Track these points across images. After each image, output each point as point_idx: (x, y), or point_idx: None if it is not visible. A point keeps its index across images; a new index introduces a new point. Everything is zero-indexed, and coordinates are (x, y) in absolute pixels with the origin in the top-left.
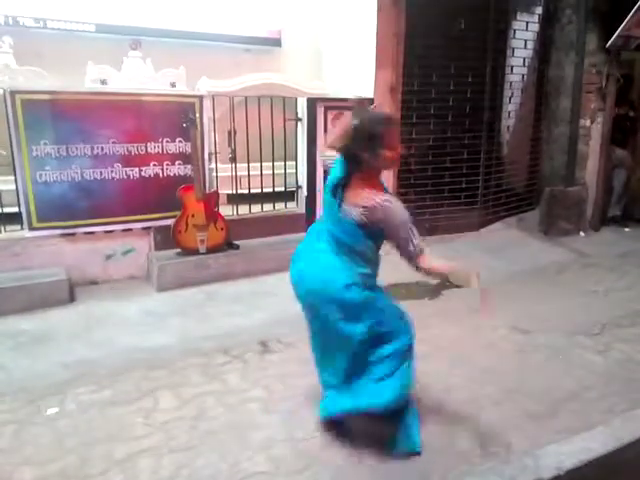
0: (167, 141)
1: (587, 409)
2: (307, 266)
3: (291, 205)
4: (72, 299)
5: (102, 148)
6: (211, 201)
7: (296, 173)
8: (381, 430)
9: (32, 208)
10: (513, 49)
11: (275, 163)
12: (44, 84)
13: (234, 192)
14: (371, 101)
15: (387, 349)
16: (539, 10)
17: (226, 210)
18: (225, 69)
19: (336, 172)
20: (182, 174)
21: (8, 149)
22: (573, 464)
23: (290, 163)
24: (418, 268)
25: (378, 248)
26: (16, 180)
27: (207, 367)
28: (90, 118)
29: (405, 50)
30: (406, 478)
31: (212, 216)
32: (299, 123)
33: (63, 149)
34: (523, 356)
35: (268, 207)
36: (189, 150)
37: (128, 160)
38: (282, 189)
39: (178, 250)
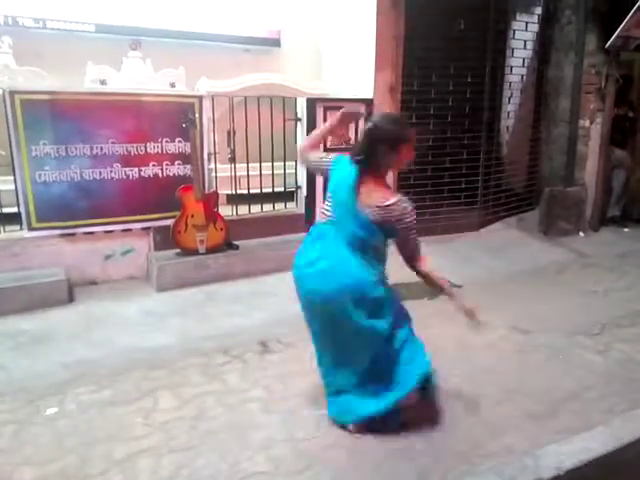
0: (166, 141)
1: (587, 409)
2: (333, 266)
3: (290, 205)
4: (71, 299)
5: (101, 148)
6: (210, 201)
7: (295, 173)
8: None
9: (31, 208)
10: (512, 49)
11: (274, 163)
12: (43, 84)
13: (233, 192)
14: (367, 102)
15: (402, 333)
16: (538, 10)
17: (225, 210)
18: (224, 69)
19: (346, 171)
20: (181, 174)
21: (7, 149)
22: (573, 464)
23: (289, 163)
24: (417, 269)
25: (387, 246)
26: (15, 180)
27: (207, 367)
28: (89, 118)
29: (404, 51)
30: (406, 478)
31: (211, 216)
32: (299, 123)
33: (62, 149)
34: (523, 356)
35: (267, 207)
36: (188, 150)
37: (127, 160)
38: (281, 189)
39: (177, 250)
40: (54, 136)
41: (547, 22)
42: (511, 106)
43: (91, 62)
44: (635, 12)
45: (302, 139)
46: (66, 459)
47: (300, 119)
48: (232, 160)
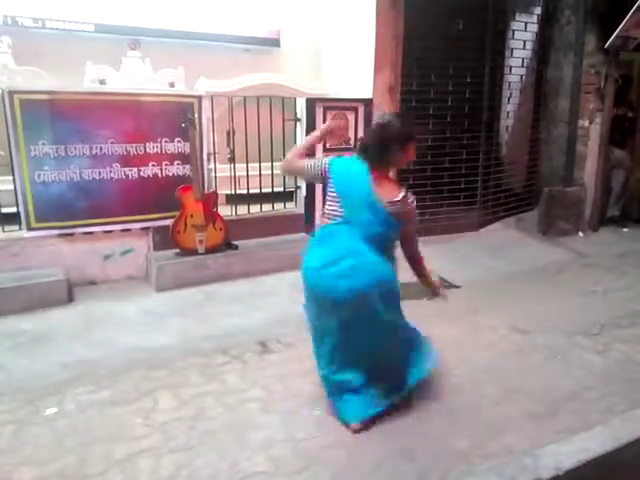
0: (166, 141)
1: (586, 409)
2: (360, 263)
3: (290, 205)
4: (71, 299)
5: (101, 148)
6: (210, 201)
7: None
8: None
9: (30, 208)
10: (512, 50)
11: (274, 163)
12: (43, 84)
13: (233, 192)
14: (367, 102)
15: (404, 321)
16: (538, 11)
17: (225, 210)
18: (224, 69)
19: (356, 169)
20: (181, 174)
21: (6, 149)
22: (572, 464)
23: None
24: (417, 264)
25: (395, 243)
26: (14, 180)
27: (206, 367)
28: (89, 118)
29: (404, 51)
30: (406, 478)
31: (211, 216)
32: (298, 123)
33: (62, 149)
34: (522, 356)
35: (267, 207)
36: (188, 150)
37: (127, 160)
38: (281, 189)
39: (177, 250)
40: (53, 136)
41: (546, 22)
42: (510, 106)
43: (90, 62)
44: (634, 12)
45: (302, 139)
46: (65, 459)
47: (299, 119)
48: (231, 160)
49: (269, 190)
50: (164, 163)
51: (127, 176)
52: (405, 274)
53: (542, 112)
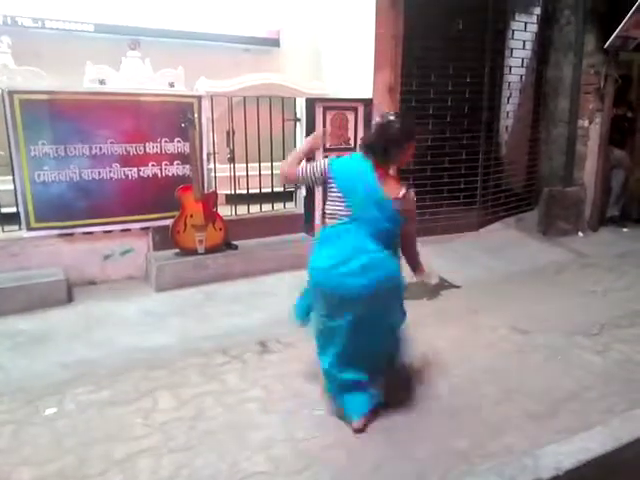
0: (165, 141)
1: (586, 409)
2: (372, 260)
3: (290, 205)
4: (70, 299)
5: (100, 148)
6: (209, 201)
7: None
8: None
9: (30, 208)
10: (511, 50)
11: (274, 163)
12: (42, 84)
13: (233, 192)
14: (366, 102)
15: (403, 318)
16: (537, 11)
17: (225, 210)
18: (224, 69)
19: (359, 168)
20: (181, 174)
21: (6, 149)
22: (572, 464)
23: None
24: (414, 260)
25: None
26: (14, 180)
27: (206, 367)
28: (88, 118)
29: (404, 51)
30: (406, 478)
31: (211, 216)
32: (298, 123)
33: (61, 149)
34: (522, 356)
35: (266, 207)
36: (187, 150)
37: (126, 160)
38: (281, 189)
39: (177, 250)
40: (53, 136)
41: (546, 22)
42: (510, 106)
43: (90, 62)
44: (634, 12)
45: (301, 139)
46: (65, 459)
47: (299, 119)
48: (231, 160)
49: (269, 190)
50: (164, 163)
51: (127, 176)
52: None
53: (542, 112)
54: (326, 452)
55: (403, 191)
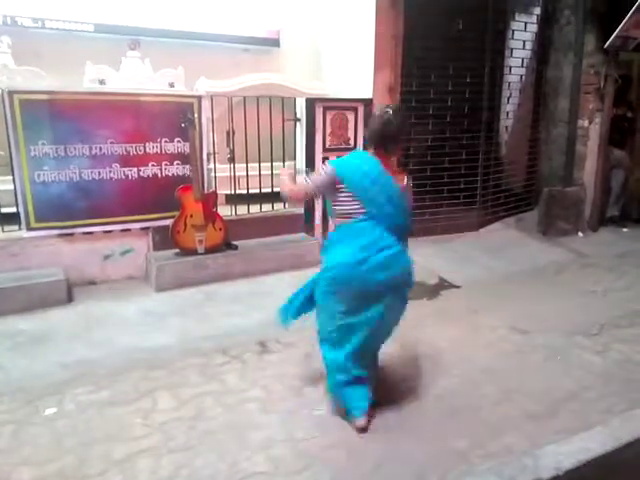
0: (165, 141)
1: (586, 409)
2: (394, 254)
3: (289, 205)
4: (70, 299)
5: (100, 148)
6: (209, 201)
7: (294, 173)
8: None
9: (30, 208)
10: (511, 50)
11: (274, 163)
12: (42, 84)
13: (232, 192)
14: (366, 102)
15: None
16: (537, 11)
17: (224, 210)
18: (224, 69)
19: (368, 166)
20: (180, 174)
21: (6, 149)
22: (572, 464)
23: (289, 163)
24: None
25: None
26: (14, 180)
27: (206, 367)
28: (88, 118)
29: (403, 51)
30: (405, 478)
31: (210, 216)
32: (298, 123)
33: (61, 149)
34: (522, 356)
35: (267, 207)
36: (187, 150)
37: (126, 160)
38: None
39: (177, 250)
40: (53, 136)
41: (546, 22)
42: (510, 106)
43: (90, 62)
44: (634, 12)
45: (301, 139)
46: (65, 459)
47: (299, 119)
48: (231, 160)
49: (269, 190)
50: (164, 163)
51: (127, 176)
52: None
53: (542, 112)
54: (326, 452)
55: (406, 180)
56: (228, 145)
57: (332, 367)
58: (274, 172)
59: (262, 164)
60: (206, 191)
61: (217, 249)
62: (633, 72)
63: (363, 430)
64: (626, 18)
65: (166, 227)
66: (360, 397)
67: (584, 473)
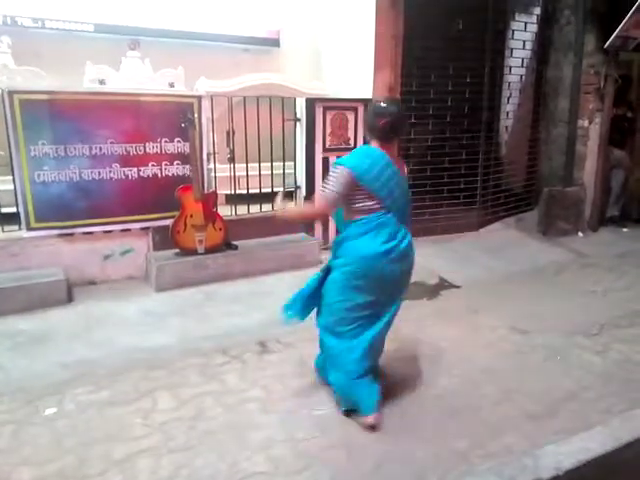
0: (165, 141)
1: (586, 409)
2: (410, 244)
3: (290, 205)
4: (70, 299)
5: (100, 148)
6: (209, 201)
7: (295, 173)
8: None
9: (30, 208)
10: (511, 50)
11: (274, 163)
12: (42, 84)
13: (232, 192)
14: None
15: None
16: (537, 11)
17: (224, 210)
18: (224, 69)
19: (383, 161)
20: (180, 174)
21: (6, 149)
22: (572, 464)
23: (289, 163)
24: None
25: None
26: (14, 180)
27: (206, 367)
28: (88, 118)
29: (403, 51)
30: (405, 478)
31: (210, 216)
32: (298, 123)
33: (61, 149)
34: (522, 356)
35: (267, 207)
36: (187, 150)
37: (126, 160)
38: (281, 189)
39: (177, 250)
40: (53, 136)
41: (546, 22)
42: (510, 106)
43: (90, 62)
44: (634, 12)
45: (301, 139)
46: (65, 459)
47: (299, 119)
48: (231, 160)
49: (269, 190)
50: (164, 163)
51: (127, 176)
52: None
53: (542, 112)
54: (326, 452)
55: (405, 167)
56: (228, 145)
57: (345, 360)
58: (274, 172)
59: (262, 164)
60: (206, 191)
61: (217, 249)
62: (633, 72)
63: (373, 428)
64: (626, 18)
65: (166, 227)
66: (371, 393)
67: (584, 473)
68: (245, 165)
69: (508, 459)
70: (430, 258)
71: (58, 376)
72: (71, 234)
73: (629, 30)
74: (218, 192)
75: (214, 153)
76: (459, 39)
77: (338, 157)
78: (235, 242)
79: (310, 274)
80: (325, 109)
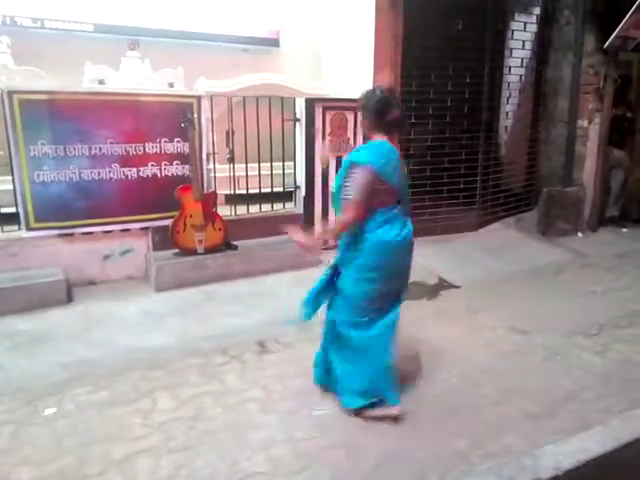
0: (165, 141)
1: (585, 409)
2: (411, 235)
3: (289, 205)
4: (70, 299)
5: (100, 148)
6: (209, 201)
7: (294, 173)
8: None
9: (30, 208)
10: (511, 50)
11: (273, 163)
12: (42, 84)
13: (232, 192)
14: None
15: None
16: (537, 11)
17: (224, 210)
18: (223, 69)
19: (393, 154)
20: (180, 174)
21: (6, 149)
22: (571, 464)
23: (288, 163)
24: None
25: None
26: (14, 180)
27: (205, 367)
28: (88, 118)
29: (403, 51)
30: (405, 478)
31: (210, 216)
32: (297, 123)
33: (61, 149)
34: (521, 356)
35: (266, 207)
36: (187, 150)
37: (126, 160)
38: (280, 189)
39: (176, 250)
40: (52, 136)
41: (546, 22)
42: (510, 106)
43: (89, 62)
44: (633, 12)
45: (301, 139)
46: (64, 459)
47: (299, 119)
48: (231, 160)
49: (268, 190)
50: (163, 163)
51: (126, 176)
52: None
53: (541, 112)
54: (326, 452)
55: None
56: (228, 145)
57: (374, 349)
58: (273, 172)
59: (262, 164)
60: (206, 191)
61: (217, 249)
62: (633, 72)
63: (397, 419)
64: (626, 18)
65: (166, 227)
66: (396, 383)
67: (583, 473)
68: (245, 165)
69: (508, 459)
70: (430, 258)
71: (58, 376)
72: (71, 234)
73: (629, 30)
74: (218, 192)
75: (214, 153)
76: (459, 39)
77: (347, 154)
78: (235, 242)
79: (310, 274)
80: (325, 109)
